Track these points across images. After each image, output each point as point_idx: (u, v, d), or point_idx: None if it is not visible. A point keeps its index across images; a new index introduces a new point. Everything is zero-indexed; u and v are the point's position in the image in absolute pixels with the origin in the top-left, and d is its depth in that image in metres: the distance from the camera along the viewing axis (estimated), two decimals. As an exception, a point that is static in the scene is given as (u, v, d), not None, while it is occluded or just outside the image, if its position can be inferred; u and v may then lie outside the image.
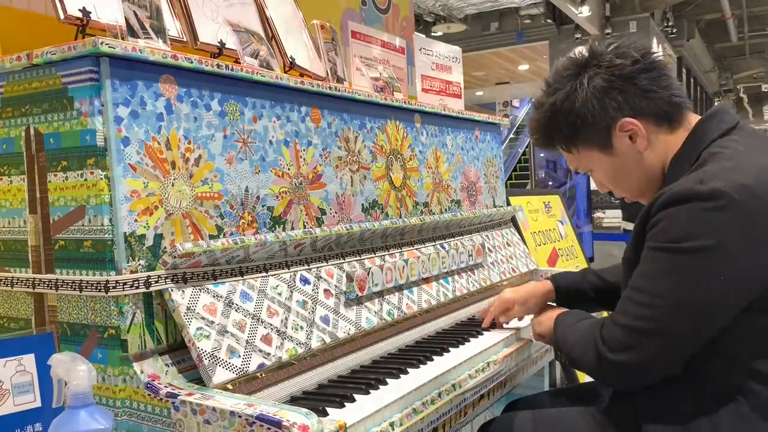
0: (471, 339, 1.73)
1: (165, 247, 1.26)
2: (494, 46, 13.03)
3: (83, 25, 1.28)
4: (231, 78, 1.43)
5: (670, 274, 1.18)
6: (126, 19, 1.31)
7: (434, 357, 1.55)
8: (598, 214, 7.23)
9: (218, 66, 1.38)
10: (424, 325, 1.83)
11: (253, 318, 1.33)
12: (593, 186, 5.25)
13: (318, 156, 1.67)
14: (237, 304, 1.32)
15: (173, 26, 1.54)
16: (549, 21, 11.65)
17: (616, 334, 1.24)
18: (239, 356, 1.25)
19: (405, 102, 2.04)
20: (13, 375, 1.16)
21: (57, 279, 1.26)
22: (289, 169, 1.57)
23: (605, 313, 1.97)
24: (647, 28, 11.27)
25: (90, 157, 1.20)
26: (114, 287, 1.18)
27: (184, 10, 1.58)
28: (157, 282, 1.23)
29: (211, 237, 1.36)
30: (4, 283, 1.35)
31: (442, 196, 2.22)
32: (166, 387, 1.15)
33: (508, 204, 2.87)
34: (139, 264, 1.22)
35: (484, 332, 1.80)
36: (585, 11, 10.17)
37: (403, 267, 1.80)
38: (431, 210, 2.13)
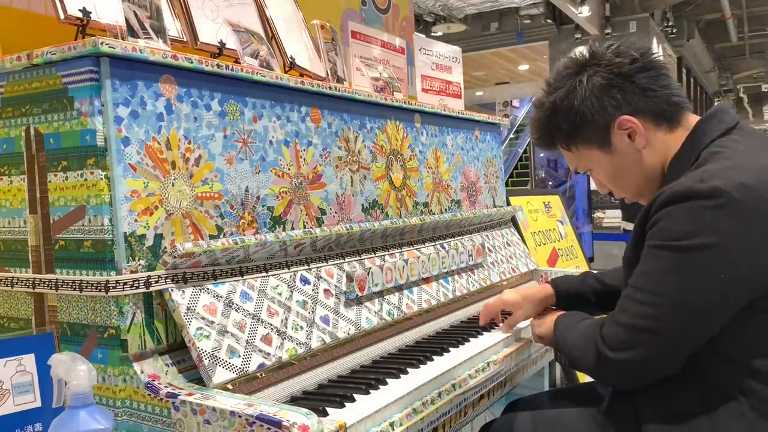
0: (471, 339, 1.73)
1: (165, 247, 1.26)
2: (494, 46, 13.03)
3: (83, 25, 1.28)
4: (231, 78, 1.43)
5: (670, 273, 1.18)
6: (126, 19, 1.31)
7: (434, 357, 1.55)
8: (598, 214, 7.23)
9: (218, 66, 1.38)
10: (424, 325, 1.83)
11: (253, 318, 1.33)
12: (593, 186, 5.26)
13: (318, 156, 1.67)
14: (237, 304, 1.32)
15: (173, 26, 1.54)
16: (549, 21, 11.65)
17: (617, 332, 1.24)
18: (239, 356, 1.25)
19: (405, 102, 2.04)
20: (13, 375, 1.16)
21: (57, 279, 1.26)
22: (289, 169, 1.57)
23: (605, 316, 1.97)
24: (647, 28, 11.27)
25: (90, 157, 1.20)
26: (114, 287, 1.18)
27: (184, 10, 1.58)
28: (157, 282, 1.23)
29: (211, 237, 1.36)
30: (4, 283, 1.35)
31: (442, 196, 2.22)
32: (166, 387, 1.15)
33: (508, 204, 2.87)
34: (139, 264, 1.22)
35: (484, 332, 1.80)
36: (585, 11, 10.18)
37: (403, 267, 1.80)
38: (431, 210, 2.13)
